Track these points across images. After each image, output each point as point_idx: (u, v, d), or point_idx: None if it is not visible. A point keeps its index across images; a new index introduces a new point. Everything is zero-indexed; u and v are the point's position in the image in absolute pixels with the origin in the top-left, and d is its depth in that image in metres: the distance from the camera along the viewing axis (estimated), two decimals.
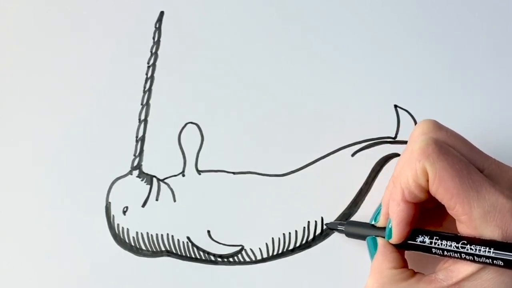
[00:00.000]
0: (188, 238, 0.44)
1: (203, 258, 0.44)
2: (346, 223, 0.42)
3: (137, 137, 0.46)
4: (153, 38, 0.48)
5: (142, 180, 0.45)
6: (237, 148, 0.46)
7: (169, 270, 0.44)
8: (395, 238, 0.37)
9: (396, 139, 0.45)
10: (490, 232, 0.34)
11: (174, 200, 0.45)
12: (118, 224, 0.45)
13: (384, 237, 0.39)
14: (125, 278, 0.44)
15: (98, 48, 0.48)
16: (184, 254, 0.44)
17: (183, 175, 0.45)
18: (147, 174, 0.46)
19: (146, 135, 0.46)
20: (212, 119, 0.46)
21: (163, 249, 0.44)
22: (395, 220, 0.37)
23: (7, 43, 0.49)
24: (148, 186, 0.45)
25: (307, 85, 0.46)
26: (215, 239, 0.44)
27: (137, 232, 0.45)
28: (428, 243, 0.36)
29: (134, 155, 0.46)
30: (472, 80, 0.46)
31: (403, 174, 0.36)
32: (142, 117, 0.47)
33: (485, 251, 0.33)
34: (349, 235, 0.42)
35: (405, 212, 0.37)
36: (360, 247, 0.41)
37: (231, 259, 0.44)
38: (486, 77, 0.45)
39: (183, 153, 0.46)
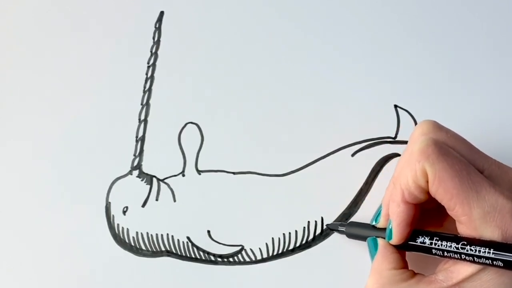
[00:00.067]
0: (188, 238, 0.44)
1: (203, 258, 0.44)
2: (346, 224, 0.42)
3: (137, 137, 0.46)
4: (153, 38, 0.48)
5: (142, 180, 0.45)
6: (237, 148, 0.46)
7: (169, 270, 0.44)
8: (395, 239, 0.37)
9: (396, 139, 0.45)
10: (490, 232, 0.34)
11: (174, 200, 0.45)
12: (118, 224, 0.45)
13: (384, 238, 0.39)
14: (125, 278, 0.44)
15: (98, 48, 0.48)
16: (184, 254, 0.44)
17: (183, 175, 0.45)
18: (147, 174, 0.46)
19: (146, 135, 0.46)
20: (212, 119, 0.46)
21: (163, 249, 0.44)
22: (395, 221, 0.37)
23: (7, 43, 0.49)
24: (148, 186, 0.45)
25: (307, 85, 0.46)
26: (215, 239, 0.44)
27: (137, 232, 0.45)
28: (428, 244, 0.36)
29: (134, 155, 0.46)
30: (472, 80, 0.46)
31: (402, 175, 0.36)
32: (142, 117, 0.47)
33: (484, 252, 0.33)
34: (350, 236, 0.42)
35: (405, 213, 0.37)
36: (360, 247, 0.42)
37: (231, 259, 0.44)
38: (486, 77, 0.45)
39: (183, 153, 0.46)
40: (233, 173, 0.45)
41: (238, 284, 0.43)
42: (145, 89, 0.47)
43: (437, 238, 0.36)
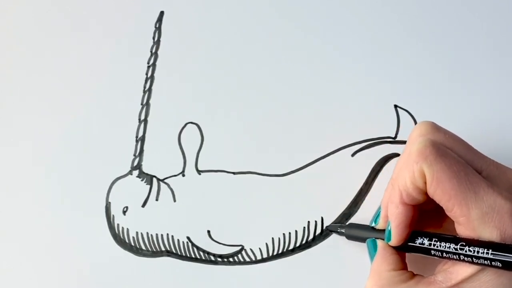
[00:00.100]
0: (188, 238, 0.44)
1: (203, 258, 0.44)
2: (346, 225, 0.42)
3: (137, 137, 0.46)
4: (153, 38, 0.48)
5: (142, 180, 0.45)
6: (237, 148, 0.46)
7: (169, 270, 0.44)
8: (394, 240, 0.37)
9: (396, 139, 0.45)
10: (489, 233, 0.33)
11: (174, 200, 0.45)
12: (118, 224, 0.45)
13: (383, 239, 0.39)
14: (125, 278, 0.44)
15: (98, 48, 0.48)
16: (184, 254, 0.44)
17: (183, 175, 0.45)
18: (147, 174, 0.46)
19: (146, 135, 0.46)
20: (212, 119, 0.46)
21: (163, 249, 0.44)
22: (394, 223, 0.37)
23: (7, 43, 0.49)
24: (148, 186, 0.45)
25: (307, 85, 0.46)
26: (215, 239, 0.44)
27: (137, 232, 0.45)
28: (427, 245, 0.36)
29: (134, 155, 0.46)
30: (472, 80, 0.45)
31: (401, 176, 0.36)
32: (142, 117, 0.47)
33: (483, 252, 0.33)
34: (349, 237, 0.42)
35: (403, 214, 0.37)
36: (360, 247, 0.42)
37: (231, 259, 0.44)
38: (486, 77, 0.45)
39: (183, 153, 0.46)
40: (233, 173, 0.45)
41: (238, 284, 0.43)
42: (145, 89, 0.47)
43: (436, 239, 0.36)
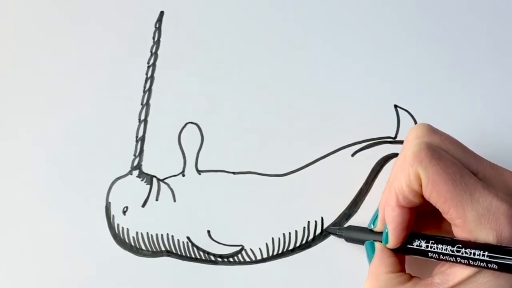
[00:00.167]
0: (188, 238, 0.44)
1: (203, 258, 0.44)
2: (344, 228, 0.42)
3: (137, 137, 0.46)
4: (153, 38, 0.48)
5: (142, 180, 0.45)
6: (237, 148, 0.46)
7: (169, 270, 0.44)
8: (392, 243, 0.37)
9: (396, 139, 0.45)
10: (485, 235, 0.33)
11: (174, 200, 0.45)
12: (118, 224, 0.45)
13: (381, 241, 0.39)
14: (125, 278, 0.44)
15: (98, 48, 0.48)
16: (184, 254, 0.44)
17: (183, 175, 0.46)
18: (147, 174, 0.46)
19: (146, 135, 0.46)
20: (212, 119, 0.46)
21: (163, 249, 0.44)
22: (391, 225, 0.37)
23: (7, 43, 0.49)
24: (148, 186, 0.45)
25: (307, 85, 0.46)
26: (215, 239, 0.44)
27: (137, 232, 0.45)
28: (424, 247, 0.36)
29: (134, 155, 0.46)
30: (472, 80, 0.45)
31: (397, 179, 0.36)
32: (142, 117, 0.47)
33: (479, 254, 0.33)
34: (348, 239, 0.42)
35: (400, 217, 0.37)
36: (359, 247, 0.41)
37: (231, 259, 0.44)
38: (486, 77, 0.45)
39: (183, 153, 0.46)
40: (233, 173, 0.45)
41: (238, 284, 0.43)
42: (145, 89, 0.47)
43: (433, 241, 0.35)
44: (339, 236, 0.42)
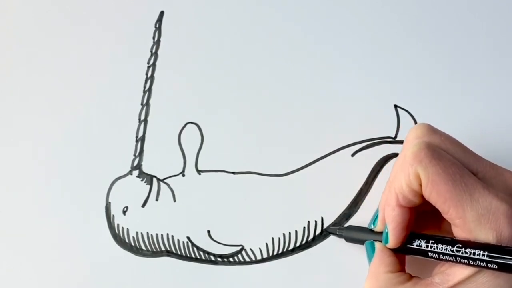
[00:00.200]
0: (188, 238, 0.44)
1: (203, 258, 0.44)
2: (344, 228, 0.42)
3: (137, 137, 0.46)
4: (153, 38, 0.48)
5: (142, 180, 0.45)
6: (237, 148, 0.46)
7: (169, 270, 0.44)
8: (392, 242, 0.37)
9: (396, 139, 0.45)
10: (485, 235, 0.33)
11: (174, 200, 0.45)
12: (118, 224, 0.45)
13: (381, 241, 0.39)
14: (125, 278, 0.44)
15: (98, 48, 0.48)
16: (184, 254, 0.44)
17: (183, 175, 0.45)
18: (147, 174, 0.46)
19: (146, 135, 0.46)
20: (212, 119, 0.46)
21: (163, 249, 0.44)
22: (391, 225, 0.37)
23: (7, 43, 0.49)
24: (148, 186, 0.45)
25: (307, 85, 0.46)
26: (215, 239, 0.44)
27: (137, 232, 0.45)
28: (424, 247, 0.36)
29: (134, 155, 0.46)
30: (472, 80, 0.45)
31: (397, 179, 0.36)
32: (142, 117, 0.47)
33: (479, 254, 0.33)
34: (348, 239, 0.42)
35: (400, 216, 0.37)
36: (359, 247, 0.41)
37: (231, 259, 0.44)
38: (486, 77, 0.45)
39: (183, 153, 0.46)
40: (233, 173, 0.45)
41: (238, 284, 0.43)
42: (145, 89, 0.47)
43: (433, 241, 0.35)
44: (339, 236, 0.42)
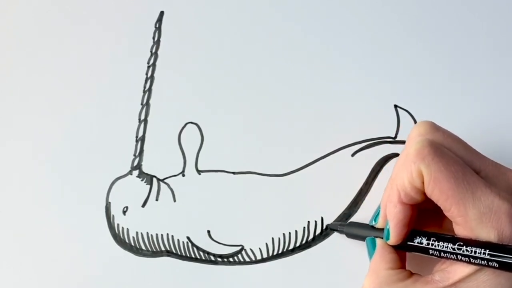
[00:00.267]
0: (188, 238, 0.44)
1: (203, 258, 0.44)
2: (346, 224, 0.42)
3: (137, 137, 0.46)
4: (153, 38, 0.48)
5: (142, 180, 0.45)
6: (237, 148, 0.46)
7: (169, 270, 0.44)
8: (393, 239, 0.37)
9: (396, 139, 0.45)
10: (486, 233, 0.33)
11: (174, 200, 0.45)
12: (118, 224, 0.45)
13: (383, 238, 0.39)
14: (125, 278, 0.44)
15: (98, 48, 0.48)
16: (184, 254, 0.44)
17: (183, 175, 0.45)
18: (147, 174, 0.46)
19: (146, 135, 0.46)
20: (212, 119, 0.46)
21: (163, 249, 0.44)
22: (392, 222, 0.37)
23: (7, 43, 0.49)
24: (148, 186, 0.45)
25: (307, 85, 0.46)
26: (215, 239, 0.44)
27: (137, 232, 0.45)
28: (425, 244, 0.36)
29: (134, 155, 0.46)
30: (472, 80, 0.46)
31: (399, 176, 0.36)
32: (142, 117, 0.47)
33: (480, 252, 0.33)
34: (349, 235, 0.42)
35: (402, 213, 0.37)
36: (359, 247, 0.42)
37: (231, 259, 0.44)
38: (486, 77, 0.45)
39: (183, 153, 0.46)
40: (233, 173, 0.45)
41: (238, 284, 0.43)
42: (145, 89, 0.47)
43: (434, 239, 0.36)
44: (341, 232, 0.42)
